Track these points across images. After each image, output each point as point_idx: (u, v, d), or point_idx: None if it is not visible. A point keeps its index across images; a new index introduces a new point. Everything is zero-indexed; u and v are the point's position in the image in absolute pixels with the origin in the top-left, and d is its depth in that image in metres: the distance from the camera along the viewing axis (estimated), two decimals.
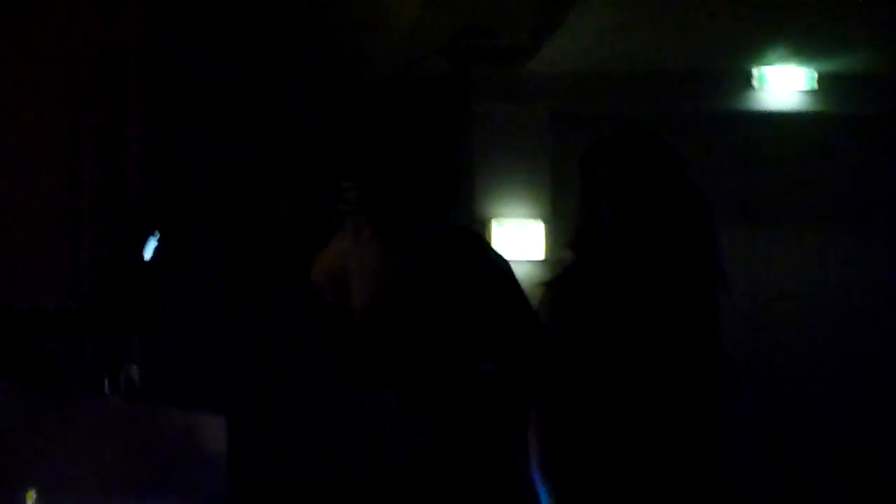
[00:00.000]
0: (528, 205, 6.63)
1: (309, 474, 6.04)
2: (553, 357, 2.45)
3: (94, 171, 5.28)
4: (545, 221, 6.57)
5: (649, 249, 3.03)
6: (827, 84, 6.74)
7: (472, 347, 2.44)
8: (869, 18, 5.89)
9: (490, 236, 6.50)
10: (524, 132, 6.70)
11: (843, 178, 6.89)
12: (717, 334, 3.08)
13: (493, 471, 2.43)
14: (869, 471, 6.72)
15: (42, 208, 5.19)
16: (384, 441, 2.52)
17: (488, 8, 6.19)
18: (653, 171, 3.02)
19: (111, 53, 5.35)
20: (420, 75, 6.09)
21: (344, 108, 2.53)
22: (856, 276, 6.87)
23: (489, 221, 6.58)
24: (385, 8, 6.15)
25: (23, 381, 3.47)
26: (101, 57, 5.31)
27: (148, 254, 4.41)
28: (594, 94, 6.72)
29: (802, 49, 6.42)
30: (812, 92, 6.76)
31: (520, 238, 6.53)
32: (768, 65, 6.65)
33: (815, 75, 6.72)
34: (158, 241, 4.41)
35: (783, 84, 6.73)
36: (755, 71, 6.70)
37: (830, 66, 6.62)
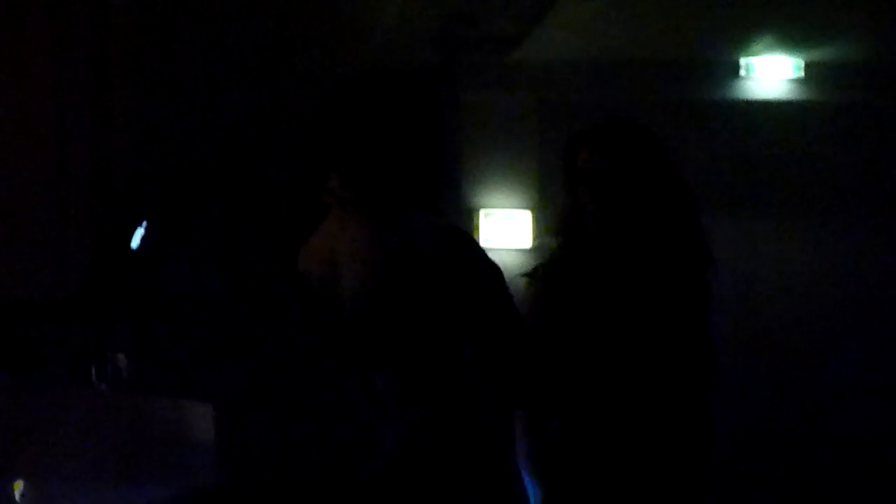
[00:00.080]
0: (516, 194, 6.63)
1: (299, 462, 6.04)
2: (530, 354, 2.44)
3: (82, 159, 5.27)
4: (533, 211, 6.57)
5: (632, 236, 3.03)
6: (814, 72, 6.75)
7: (457, 335, 2.45)
8: (855, 6, 5.90)
9: (478, 226, 6.50)
10: (511, 121, 6.70)
11: (830, 166, 6.90)
12: (707, 318, 3.08)
13: (483, 458, 2.44)
14: (864, 464, 6.72)
15: (29, 197, 5.17)
16: (374, 428, 2.52)
17: None
18: (634, 158, 3.02)
19: (99, 40, 5.33)
20: (406, 65, 6.08)
21: (330, 98, 2.53)
22: (844, 266, 6.88)
23: (477, 211, 6.58)
24: None
25: (9, 371, 3.46)
26: (89, 44, 5.29)
27: (135, 243, 4.41)
28: (581, 83, 6.72)
29: (789, 38, 6.42)
30: (799, 80, 6.77)
31: (507, 227, 6.54)
32: (755, 55, 6.65)
33: (802, 64, 6.73)
34: (146, 230, 4.40)
35: (770, 72, 6.74)
36: (742, 60, 6.70)
37: (817, 54, 6.62)
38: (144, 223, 4.42)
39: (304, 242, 2.59)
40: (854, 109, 6.88)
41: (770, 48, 6.58)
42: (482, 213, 6.57)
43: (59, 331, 4.65)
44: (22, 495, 3.06)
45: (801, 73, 6.74)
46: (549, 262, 3.11)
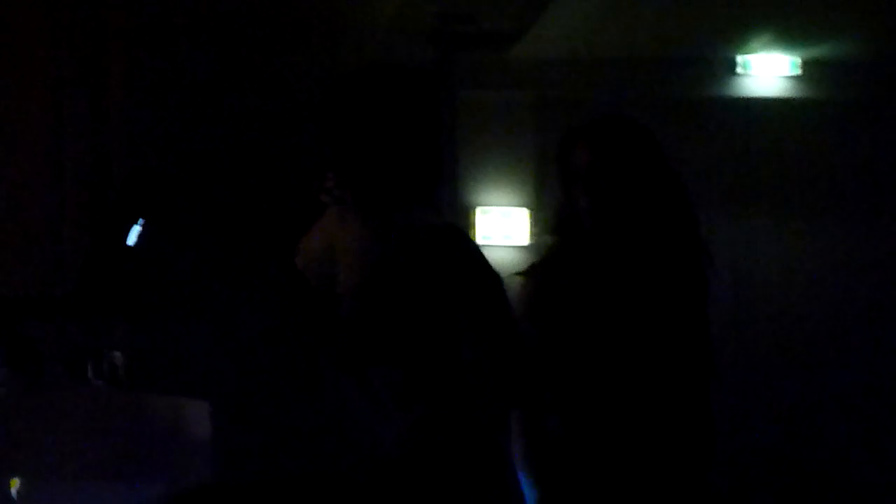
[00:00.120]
0: (513, 192, 6.63)
1: (295, 460, 6.04)
2: (520, 354, 2.44)
3: (77, 156, 5.26)
4: (530, 208, 6.57)
5: (626, 233, 3.02)
6: (810, 70, 6.75)
7: (455, 333, 2.44)
8: (851, 4, 5.90)
9: (475, 224, 6.50)
10: (509, 119, 6.70)
11: (826, 163, 6.90)
12: (706, 313, 3.07)
13: (481, 456, 2.43)
14: (863, 463, 6.73)
15: (25, 194, 5.16)
16: (370, 427, 2.52)
17: None
18: (627, 155, 3.01)
19: (95, 38, 5.32)
20: (404, 61, 6.07)
21: (327, 95, 2.52)
22: (839, 262, 6.89)
23: (474, 209, 6.58)
24: None
25: (5, 368, 3.46)
26: (85, 42, 5.29)
27: (131, 240, 4.40)
28: (579, 80, 6.72)
29: (786, 35, 6.42)
30: (796, 78, 6.78)
31: (505, 225, 6.54)
32: (752, 53, 6.66)
33: (799, 61, 6.73)
34: (142, 227, 4.40)
35: (767, 70, 6.74)
36: (739, 58, 6.71)
37: (814, 52, 6.63)
38: (141, 220, 4.41)
39: (302, 239, 2.59)
40: (851, 107, 6.89)
41: (767, 46, 6.59)
42: (479, 210, 6.57)
43: (55, 328, 4.64)
44: (18, 492, 3.06)
45: (798, 71, 6.75)
46: (544, 260, 3.11)
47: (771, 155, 6.88)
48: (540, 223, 6.33)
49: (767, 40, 6.49)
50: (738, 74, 6.76)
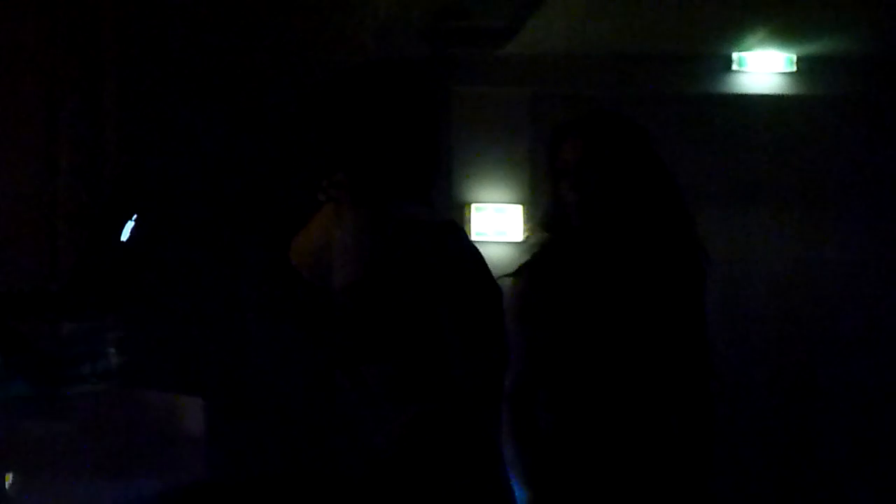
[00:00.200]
0: (508, 188, 6.63)
1: (289, 457, 6.03)
2: (500, 362, 2.45)
3: (71, 152, 5.25)
4: (524, 205, 6.56)
5: (615, 228, 3.01)
6: (806, 66, 6.75)
7: (447, 331, 2.44)
8: (846, 1, 5.90)
9: (469, 220, 6.49)
10: (503, 115, 6.70)
11: (822, 159, 6.91)
12: (703, 308, 3.06)
13: (473, 453, 2.43)
14: (862, 461, 6.73)
15: (18, 190, 5.15)
16: (365, 424, 2.51)
17: None
18: (616, 150, 3.00)
19: (89, 34, 5.31)
20: (399, 57, 6.07)
21: (323, 91, 2.52)
22: (836, 257, 6.89)
23: (468, 205, 6.57)
24: None
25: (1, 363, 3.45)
26: (78, 37, 5.28)
27: (125, 236, 4.40)
28: (574, 76, 6.71)
29: (781, 32, 6.42)
30: (791, 74, 6.78)
31: (499, 222, 6.53)
32: (748, 49, 6.66)
33: (794, 58, 6.73)
34: (136, 223, 4.39)
35: (762, 66, 6.75)
36: (735, 55, 6.70)
37: (809, 49, 6.62)
38: (135, 216, 4.41)
39: (296, 235, 2.58)
40: (846, 103, 6.89)
41: (762, 42, 6.58)
42: (473, 207, 6.56)
43: (49, 325, 4.64)
44: (11, 487, 3.05)
45: (794, 68, 6.75)
46: (533, 259, 3.10)
47: (766, 151, 6.88)
48: (531, 219, 6.33)
49: (763, 37, 6.49)
50: (734, 71, 6.76)
